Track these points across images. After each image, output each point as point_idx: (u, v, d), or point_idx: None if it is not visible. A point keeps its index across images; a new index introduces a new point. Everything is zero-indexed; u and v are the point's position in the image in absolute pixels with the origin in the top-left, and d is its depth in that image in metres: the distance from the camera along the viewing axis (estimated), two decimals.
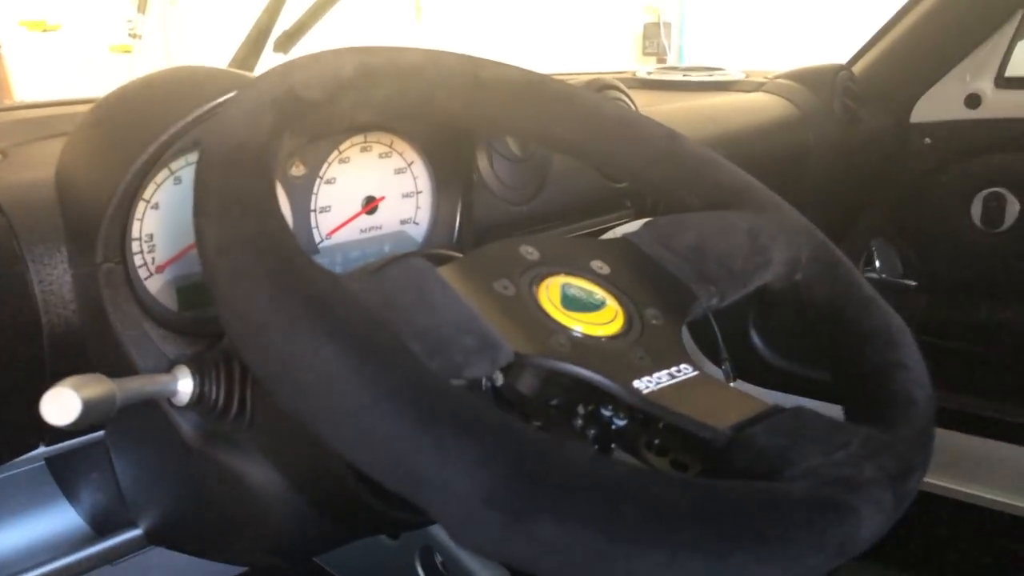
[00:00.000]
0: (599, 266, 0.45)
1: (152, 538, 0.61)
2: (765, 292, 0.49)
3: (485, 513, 0.27)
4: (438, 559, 0.93)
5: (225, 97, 0.47)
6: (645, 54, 4.06)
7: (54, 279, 0.47)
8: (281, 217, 0.32)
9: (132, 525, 0.61)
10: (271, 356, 0.29)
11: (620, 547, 0.27)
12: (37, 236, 0.47)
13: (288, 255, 0.30)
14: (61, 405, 0.35)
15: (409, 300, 0.35)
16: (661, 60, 3.94)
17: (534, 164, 0.72)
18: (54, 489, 0.64)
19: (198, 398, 0.45)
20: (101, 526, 0.64)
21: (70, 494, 0.64)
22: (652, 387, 0.38)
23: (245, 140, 0.35)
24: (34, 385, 0.48)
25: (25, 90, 2.75)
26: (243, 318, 0.30)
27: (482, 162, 0.68)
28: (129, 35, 3.03)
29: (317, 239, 0.60)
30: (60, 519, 0.64)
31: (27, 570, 0.58)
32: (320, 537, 0.53)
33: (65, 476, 0.64)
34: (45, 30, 2.94)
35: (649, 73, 1.26)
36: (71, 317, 0.48)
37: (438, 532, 0.91)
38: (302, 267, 0.30)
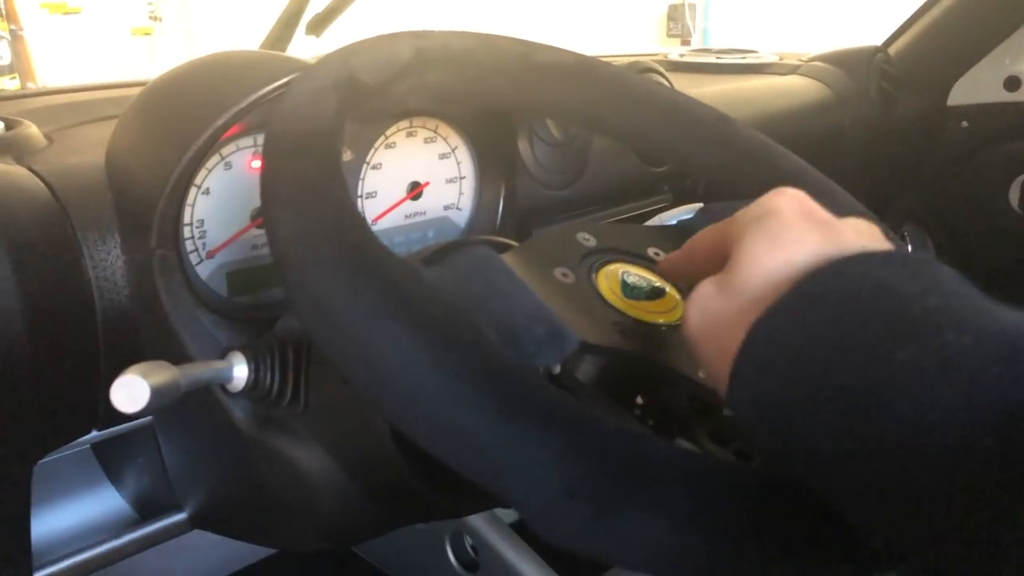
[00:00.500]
0: (656, 253, 0.44)
1: (197, 522, 0.61)
2: None
3: (568, 505, 0.27)
4: (468, 543, 0.94)
5: (283, 81, 0.46)
6: (669, 35, 4.01)
7: (107, 265, 0.47)
8: (354, 205, 0.32)
9: (176, 509, 0.61)
10: (350, 346, 0.29)
11: (705, 540, 0.27)
12: (90, 222, 0.47)
13: (364, 243, 0.30)
14: (130, 393, 0.35)
15: (479, 289, 0.35)
16: (685, 42, 3.89)
17: (574, 148, 0.72)
18: (99, 473, 0.65)
19: (253, 384, 0.45)
20: (145, 509, 0.64)
21: (115, 478, 0.65)
22: None
23: (312, 126, 0.34)
24: (90, 370, 0.48)
25: (47, 73, 2.75)
26: (320, 307, 0.29)
27: (523, 146, 0.67)
28: (150, 17, 3.03)
29: None
30: (105, 502, 0.65)
31: (73, 554, 0.59)
32: (369, 523, 0.52)
33: (110, 460, 0.64)
34: (66, 12, 2.94)
35: (682, 56, 1.24)
36: (124, 303, 0.48)
37: (469, 516, 0.91)
38: (379, 256, 0.30)
